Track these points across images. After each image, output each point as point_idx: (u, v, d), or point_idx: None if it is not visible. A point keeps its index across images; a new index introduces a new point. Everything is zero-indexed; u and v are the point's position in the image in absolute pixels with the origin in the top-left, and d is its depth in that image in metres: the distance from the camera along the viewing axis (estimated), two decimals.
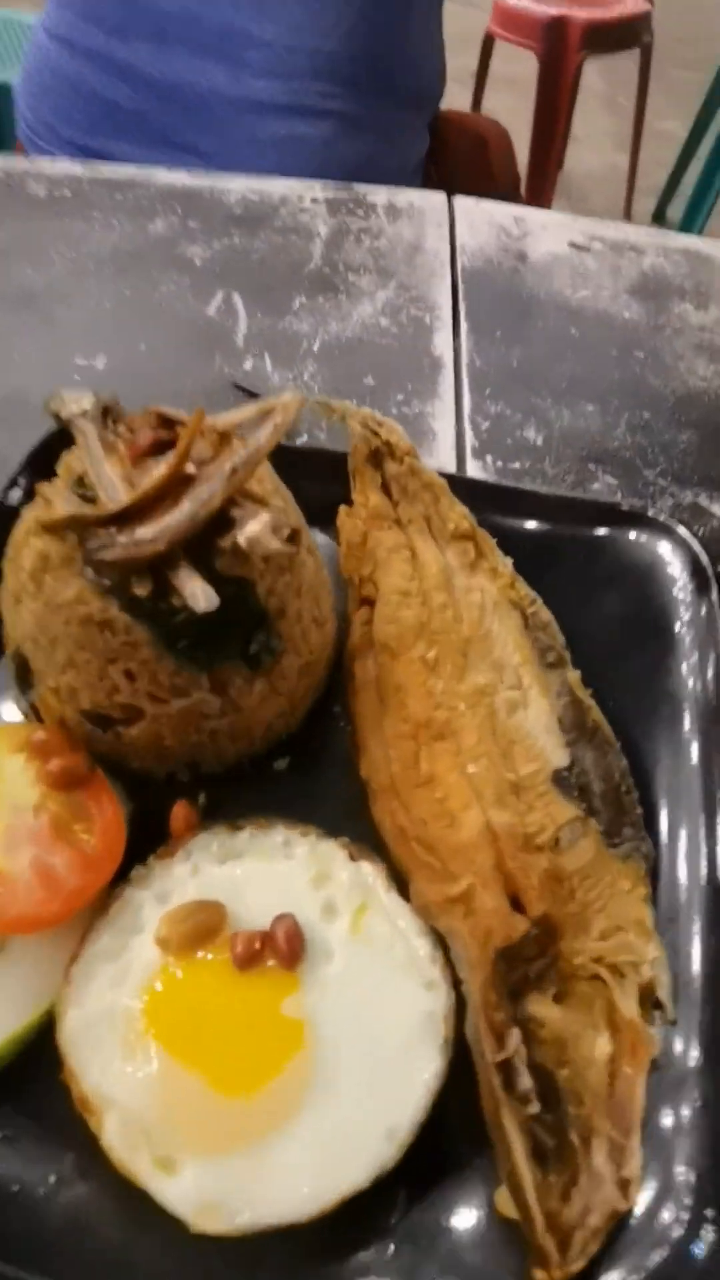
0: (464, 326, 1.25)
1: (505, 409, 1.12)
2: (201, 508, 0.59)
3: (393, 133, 1.72)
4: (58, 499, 0.61)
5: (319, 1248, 0.51)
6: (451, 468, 1.03)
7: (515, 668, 0.77)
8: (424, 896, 0.63)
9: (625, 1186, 0.55)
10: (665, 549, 0.82)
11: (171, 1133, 0.54)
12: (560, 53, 3.29)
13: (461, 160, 1.96)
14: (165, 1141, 0.54)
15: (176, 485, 0.60)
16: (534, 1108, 0.55)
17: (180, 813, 0.65)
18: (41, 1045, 0.55)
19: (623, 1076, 0.59)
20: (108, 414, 0.68)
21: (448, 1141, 0.57)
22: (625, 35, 3.50)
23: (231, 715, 0.67)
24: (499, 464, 1.05)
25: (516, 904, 0.63)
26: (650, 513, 0.84)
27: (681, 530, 0.82)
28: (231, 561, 0.61)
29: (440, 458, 1.04)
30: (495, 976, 0.58)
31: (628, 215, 3.82)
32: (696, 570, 0.81)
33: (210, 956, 0.59)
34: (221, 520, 0.60)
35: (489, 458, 1.06)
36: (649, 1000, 0.63)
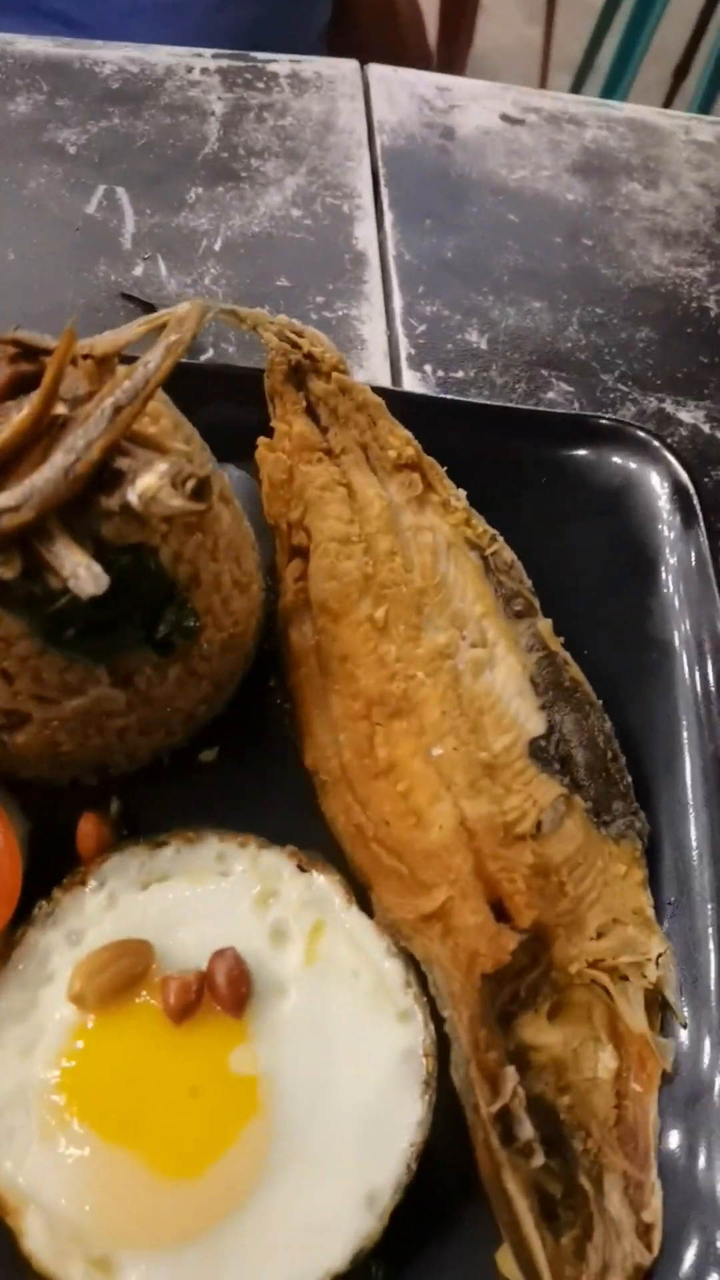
0: (388, 216, 1.10)
1: (442, 309, 0.99)
2: (77, 460, 0.47)
3: None
4: None
5: None
6: (386, 380, 0.90)
7: (478, 620, 0.66)
8: (392, 913, 0.53)
9: (648, 1233, 0.47)
10: (644, 468, 0.71)
11: (108, 1228, 0.47)
12: None
13: (368, 32, 1.79)
14: (101, 1239, 0.47)
15: (44, 433, 0.47)
16: (538, 1160, 0.47)
17: (88, 830, 0.57)
18: None
19: (632, 1096, 0.52)
20: None
21: (437, 1197, 0.49)
22: None
23: (142, 709, 0.56)
24: (440, 374, 0.93)
25: (499, 911, 0.53)
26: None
27: (661, 445, 0.71)
28: (123, 526, 0.51)
29: (372, 369, 0.91)
30: (483, 1009, 0.49)
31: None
32: (679, 492, 0.70)
33: (140, 1001, 0.51)
34: (106, 475, 0.48)
35: (428, 367, 0.93)
36: (656, 1003, 0.55)
